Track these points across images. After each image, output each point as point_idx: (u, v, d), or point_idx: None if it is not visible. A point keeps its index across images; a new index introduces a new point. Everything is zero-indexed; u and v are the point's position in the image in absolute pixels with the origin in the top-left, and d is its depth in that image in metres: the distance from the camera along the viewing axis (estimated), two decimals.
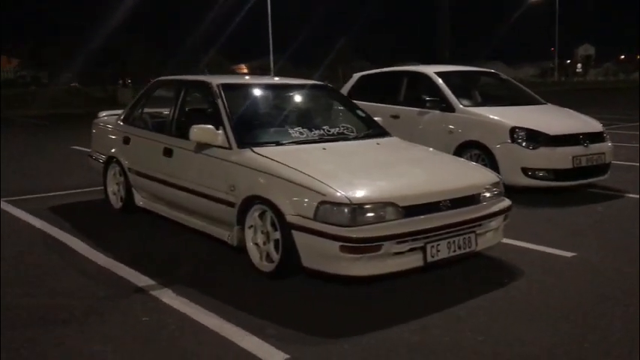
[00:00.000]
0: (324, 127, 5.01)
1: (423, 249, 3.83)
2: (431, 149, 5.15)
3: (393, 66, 9.92)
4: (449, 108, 7.29)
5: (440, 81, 7.57)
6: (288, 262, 3.96)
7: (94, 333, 3.32)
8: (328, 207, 3.70)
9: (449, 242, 3.93)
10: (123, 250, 4.82)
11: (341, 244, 3.62)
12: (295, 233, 3.85)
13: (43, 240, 5.20)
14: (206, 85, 5.19)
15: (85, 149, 7.66)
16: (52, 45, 38.77)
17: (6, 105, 24.43)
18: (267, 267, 4.14)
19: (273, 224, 4.05)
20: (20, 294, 3.92)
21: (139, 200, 5.85)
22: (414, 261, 3.83)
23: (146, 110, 6.20)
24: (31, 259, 4.66)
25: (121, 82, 28.47)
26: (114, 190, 6.19)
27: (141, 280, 4.13)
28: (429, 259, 3.85)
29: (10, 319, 3.50)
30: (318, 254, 3.79)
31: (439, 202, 3.95)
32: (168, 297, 3.81)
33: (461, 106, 7.23)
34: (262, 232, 4.18)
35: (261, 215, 4.17)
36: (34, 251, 4.87)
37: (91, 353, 3.10)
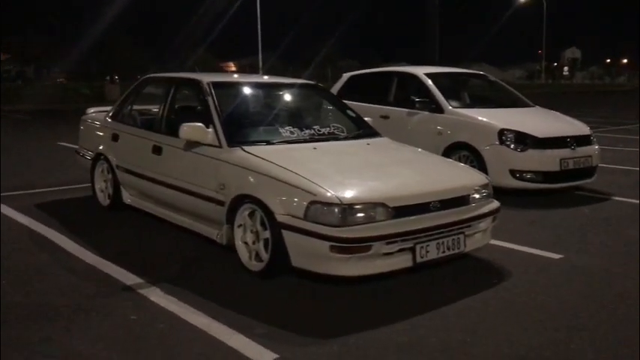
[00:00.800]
0: (315, 127, 5.01)
1: (413, 250, 3.84)
2: (420, 150, 5.16)
3: (382, 66, 9.94)
4: (438, 109, 7.31)
5: (429, 82, 7.60)
6: (278, 262, 3.96)
7: (82, 331, 3.30)
8: (318, 207, 3.70)
9: (438, 243, 3.95)
10: (111, 247, 4.79)
11: (331, 244, 3.62)
12: (285, 233, 3.84)
13: (30, 237, 5.15)
14: (196, 83, 5.16)
15: (73, 145, 7.60)
16: (39, 40, 38.45)
17: None
18: (256, 266, 4.13)
19: (262, 223, 4.04)
20: (6, 292, 3.88)
21: (127, 198, 5.81)
22: (404, 261, 3.85)
23: (135, 107, 6.17)
24: (18, 257, 4.61)
25: (108, 78, 28.23)
26: (102, 187, 6.15)
27: (129, 278, 4.10)
28: (418, 259, 3.86)
29: None
30: (308, 254, 3.79)
31: (429, 203, 3.96)
32: (157, 295, 3.79)
33: (450, 107, 7.26)
34: (252, 231, 4.17)
35: (251, 214, 4.16)
36: (21, 249, 4.82)
37: (79, 352, 3.08)
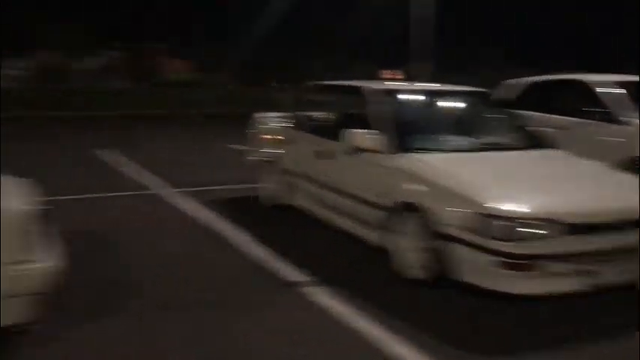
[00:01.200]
0: (482, 136, 4.84)
1: (588, 271, 3.54)
2: (600, 164, 4.76)
3: (550, 74, 9.34)
4: (620, 121, 6.73)
5: (610, 91, 7.02)
6: (438, 272, 3.86)
7: (250, 323, 3.47)
8: (485, 219, 3.55)
9: (618, 267, 3.60)
10: (277, 245, 4.97)
11: (497, 258, 3.47)
12: (447, 243, 3.74)
13: (204, 229, 5.54)
14: (361, 90, 5.23)
15: (241, 148, 8.04)
16: (210, 46, 41.25)
17: (172, 103, 26.46)
18: (418, 275, 4.06)
19: (424, 232, 3.97)
20: (172, 281, 4.20)
21: (293, 199, 6.01)
22: (577, 284, 3.56)
23: (302, 113, 6.38)
24: (191, 246, 4.99)
25: (277, 84, 29.62)
26: (268, 187, 6.43)
27: (295, 276, 4.25)
28: (594, 283, 3.55)
29: (166, 302, 3.77)
30: (472, 267, 3.65)
31: (608, 222, 3.64)
32: (321, 295, 3.89)
33: (632, 119, 6.65)
34: (414, 239, 4.10)
35: (413, 222, 4.10)
36: (194, 239, 5.22)
37: (246, 342, 3.25)
